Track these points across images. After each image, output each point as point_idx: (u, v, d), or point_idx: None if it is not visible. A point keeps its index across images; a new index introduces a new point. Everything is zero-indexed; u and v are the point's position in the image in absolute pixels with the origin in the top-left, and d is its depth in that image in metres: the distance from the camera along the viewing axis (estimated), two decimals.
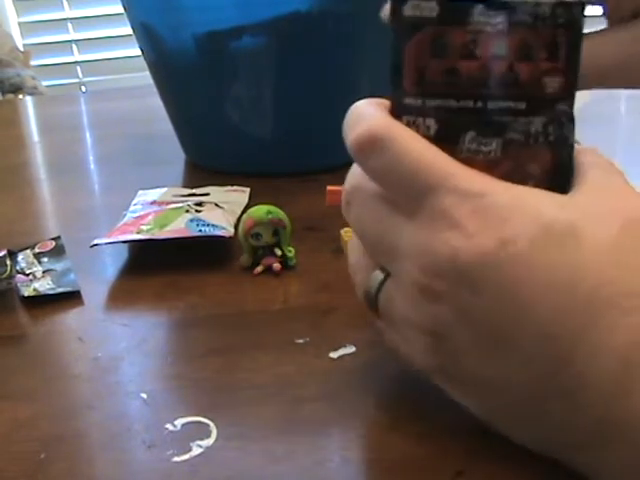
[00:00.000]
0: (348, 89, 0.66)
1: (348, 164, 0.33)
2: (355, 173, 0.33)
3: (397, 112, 0.31)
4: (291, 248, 0.51)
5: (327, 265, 0.51)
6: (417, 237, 0.29)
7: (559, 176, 0.31)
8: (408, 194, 0.30)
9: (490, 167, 0.30)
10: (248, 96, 0.66)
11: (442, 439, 0.34)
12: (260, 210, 0.50)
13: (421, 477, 0.32)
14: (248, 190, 0.62)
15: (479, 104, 0.30)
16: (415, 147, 0.29)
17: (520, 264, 0.27)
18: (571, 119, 0.31)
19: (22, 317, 0.47)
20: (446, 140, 0.30)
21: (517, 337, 0.28)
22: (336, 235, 0.53)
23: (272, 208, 0.50)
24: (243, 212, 0.53)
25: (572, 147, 0.31)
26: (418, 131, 0.30)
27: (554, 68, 0.30)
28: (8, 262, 0.49)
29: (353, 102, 0.32)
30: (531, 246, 0.27)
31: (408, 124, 0.30)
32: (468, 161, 0.30)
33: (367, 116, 0.30)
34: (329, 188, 0.52)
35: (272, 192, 0.61)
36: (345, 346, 0.41)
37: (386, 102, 0.32)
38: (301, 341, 0.42)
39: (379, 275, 0.33)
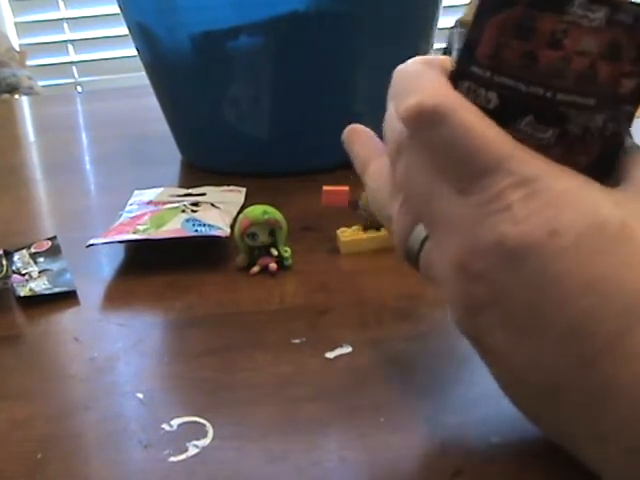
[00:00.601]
0: (345, 89, 0.66)
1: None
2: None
3: (459, 76, 0.30)
4: (287, 248, 0.51)
5: (323, 265, 0.51)
6: (465, 215, 0.29)
7: (601, 169, 0.30)
8: (462, 171, 0.28)
9: (538, 152, 0.29)
10: (244, 96, 0.66)
11: (440, 439, 0.34)
12: (256, 210, 0.50)
13: (419, 477, 0.32)
14: (244, 190, 0.62)
15: (548, 94, 0.29)
16: (476, 124, 0.28)
17: (566, 257, 0.27)
18: (631, 119, 0.30)
19: (18, 317, 0.47)
20: (501, 117, 0.29)
21: (550, 327, 0.27)
22: (332, 235, 0.53)
23: (268, 208, 0.50)
24: (239, 212, 0.53)
25: (622, 144, 0.31)
26: (475, 100, 0.29)
27: (634, 72, 0.29)
28: (4, 262, 0.49)
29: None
30: (580, 241, 0.26)
31: (468, 90, 0.29)
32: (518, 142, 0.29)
33: (426, 82, 0.29)
34: (325, 188, 0.52)
35: (268, 192, 0.61)
36: (342, 346, 0.41)
37: (440, 61, 0.31)
38: (297, 341, 0.42)
39: (422, 232, 0.32)
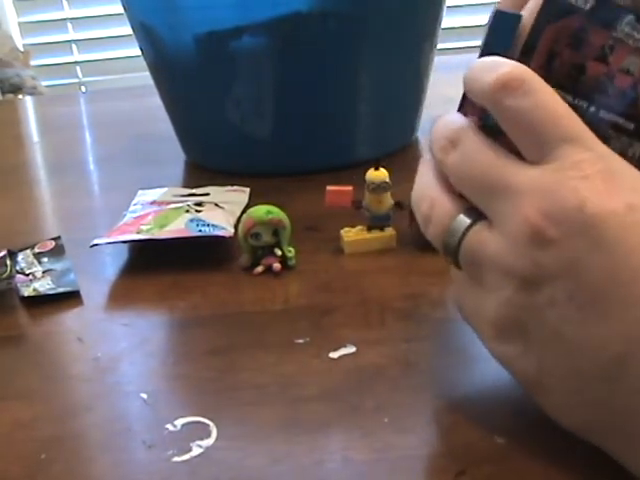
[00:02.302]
0: (348, 90, 0.66)
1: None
2: (462, 118, 0.33)
3: None
4: (291, 248, 0.51)
5: (327, 265, 0.51)
6: (542, 180, 0.29)
7: None
8: (542, 139, 0.29)
9: None
10: (248, 96, 0.66)
11: (443, 439, 0.34)
12: (260, 210, 0.50)
13: (422, 477, 0.32)
14: (248, 190, 0.62)
15: (592, 109, 0.30)
16: (556, 97, 0.30)
17: None
18: None
19: (22, 317, 0.47)
20: None
21: (620, 301, 0.27)
22: (336, 235, 0.53)
23: (272, 208, 0.50)
24: (243, 212, 0.53)
25: None
26: None
27: None
28: (8, 262, 0.49)
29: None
30: None
31: None
32: None
33: (504, 61, 0.30)
34: (329, 188, 0.52)
35: (272, 192, 0.61)
36: (345, 346, 0.41)
37: None
38: (301, 341, 0.42)
39: (465, 220, 0.32)
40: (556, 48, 0.30)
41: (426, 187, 0.34)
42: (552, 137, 0.29)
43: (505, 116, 0.30)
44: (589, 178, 0.28)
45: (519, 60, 0.30)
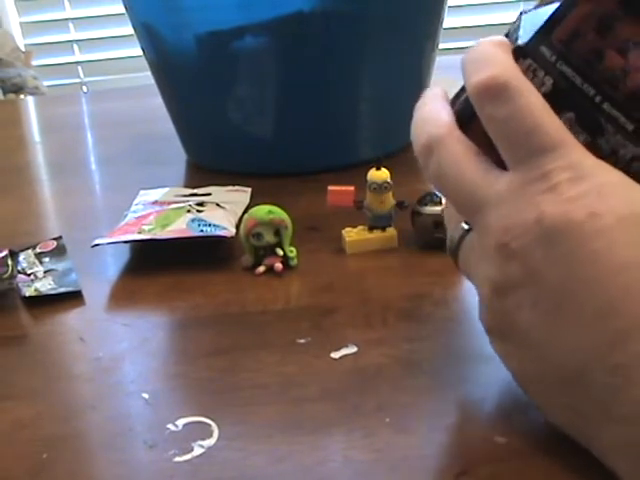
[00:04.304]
0: (350, 89, 0.66)
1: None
2: (440, 121, 0.33)
3: (523, 53, 0.30)
4: (293, 248, 0.51)
5: (329, 265, 0.51)
6: (508, 194, 0.30)
7: None
8: (518, 148, 0.30)
9: None
10: (250, 96, 0.66)
11: (444, 439, 0.34)
12: (261, 210, 0.50)
13: (423, 477, 0.32)
14: (249, 190, 0.62)
15: (597, 98, 0.30)
16: (538, 105, 0.30)
17: (604, 238, 0.28)
18: None
19: (23, 317, 0.47)
20: (548, 103, 0.30)
21: (581, 306, 0.28)
22: (338, 235, 0.53)
23: (273, 208, 0.50)
24: (245, 212, 0.53)
25: None
26: (532, 79, 0.30)
27: None
28: (9, 262, 0.49)
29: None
30: (618, 224, 0.28)
31: (528, 68, 0.30)
32: None
33: (495, 60, 0.30)
34: (330, 188, 0.52)
35: (273, 192, 0.61)
36: (347, 346, 0.41)
37: (506, 41, 0.32)
38: (303, 341, 0.42)
39: (462, 227, 0.34)
40: (582, 28, 0.30)
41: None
42: (526, 148, 0.30)
43: (485, 120, 0.31)
44: (554, 189, 0.29)
45: (535, 33, 0.30)
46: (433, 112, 0.33)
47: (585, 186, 0.28)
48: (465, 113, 0.32)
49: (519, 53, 0.30)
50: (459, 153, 0.32)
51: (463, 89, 0.33)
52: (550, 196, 0.29)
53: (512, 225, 0.29)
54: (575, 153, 0.29)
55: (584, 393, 0.29)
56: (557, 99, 0.30)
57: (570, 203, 0.28)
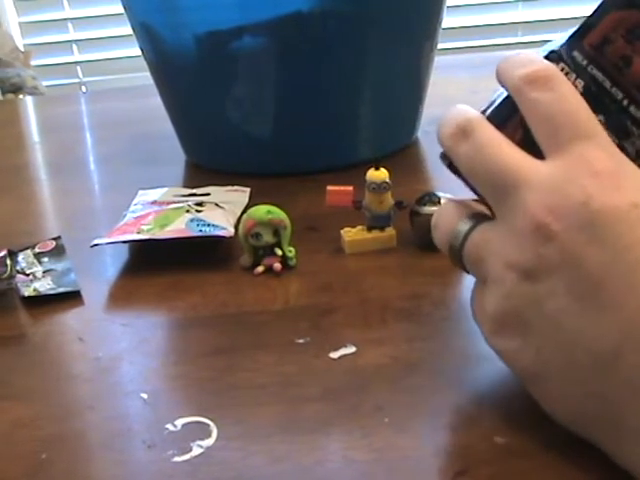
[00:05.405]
0: (349, 90, 0.66)
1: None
2: (473, 111, 0.34)
3: (557, 56, 0.32)
4: (291, 248, 0.51)
5: (328, 265, 0.51)
6: (552, 176, 0.30)
7: None
8: (559, 132, 0.31)
9: None
10: (248, 96, 0.66)
11: (443, 439, 0.34)
12: (260, 210, 0.50)
13: (423, 477, 0.32)
14: (248, 190, 0.62)
15: (625, 102, 0.32)
16: (580, 99, 0.31)
17: None
18: None
19: (22, 317, 0.47)
20: None
21: (619, 295, 0.28)
22: (336, 235, 0.53)
23: (272, 208, 0.50)
24: (243, 212, 0.53)
25: None
26: None
27: None
28: (8, 262, 0.49)
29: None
30: None
31: (561, 71, 0.32)
32: None
33: (538, 59, 0.32)
34: (329, 188, 0.52)
35: (272, 192, 0.61)
36: (346, 346, 0.41)
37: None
38: (302, 341, 0.42)
39: (469, 222, 0.34)
40: (612, 35, 0.31)
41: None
42: (569, 131, 0.31)
43: (528, 106, 0.32)
44: (598, 175, 0.29)
45: (568, 38, 0.32)
46: (465, 106, 0.35)
47: (625, 179, 0.29)
48: (493, 122, 0.33)
49: (553, 58, 0.32)
50: (498, 136, 0.33)
51: (484, 111, 0.34)
52: (596, 181, 0.29)
53: (556, 206, 0.30)
54: (612, 147, 0.30)
55: (616, 376, 0.28)
56: (588, 102, 0.31)
57: (615, 191, 0.29)
